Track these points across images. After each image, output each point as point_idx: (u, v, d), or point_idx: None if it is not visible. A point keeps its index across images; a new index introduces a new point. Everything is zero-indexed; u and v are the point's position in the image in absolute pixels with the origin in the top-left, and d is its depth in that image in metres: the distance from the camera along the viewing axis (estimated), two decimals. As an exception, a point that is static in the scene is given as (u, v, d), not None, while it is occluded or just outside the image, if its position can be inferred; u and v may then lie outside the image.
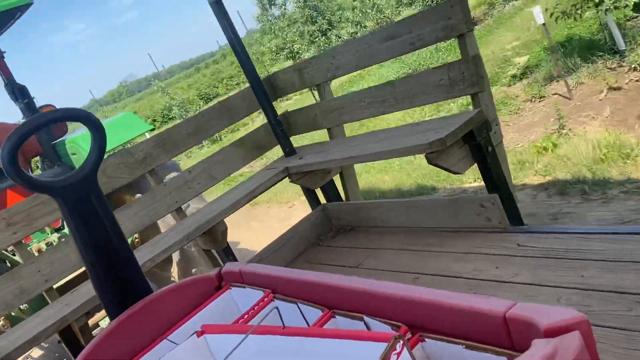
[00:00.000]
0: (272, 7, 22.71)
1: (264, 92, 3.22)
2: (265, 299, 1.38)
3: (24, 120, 3.88)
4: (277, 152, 3.55)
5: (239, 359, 1.06)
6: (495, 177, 2.33)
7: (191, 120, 3.21)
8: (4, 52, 3.93)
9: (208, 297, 1.57)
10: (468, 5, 2.29)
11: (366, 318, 1.04)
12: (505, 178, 2.41)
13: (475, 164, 2.37)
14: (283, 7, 22.43)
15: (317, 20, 20.10)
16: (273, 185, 3.10)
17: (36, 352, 4.75)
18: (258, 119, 13.65)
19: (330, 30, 19.74)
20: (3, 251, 3.58)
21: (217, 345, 1.28)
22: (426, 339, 0.92)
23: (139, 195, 3.87)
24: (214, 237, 2.86)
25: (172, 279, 4.08)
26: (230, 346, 1.04)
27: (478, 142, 2.28)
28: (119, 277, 1.44)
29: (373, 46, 2.73)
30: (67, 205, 1.29)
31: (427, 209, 2.64)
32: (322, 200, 3.40)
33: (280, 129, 3.28)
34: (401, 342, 0.81)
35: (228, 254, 3.09)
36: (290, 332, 1.06)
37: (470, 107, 2.48)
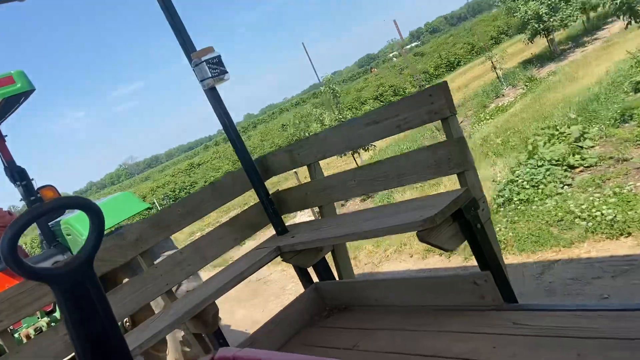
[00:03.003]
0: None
1: (256, 172, 3.28)
2: (262, 389, 1.35)
3: (21, 201, 3.89)
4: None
5: None
6: (486, 254, 2.35)
7: (184, 201, 3.24)
8: (6, 135, 4.01)
9: None
10: (449, 91, 2.41)
11: None
12: (496, 255, 2.43)
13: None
14: None
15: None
16: (265, 265, 3.08)
17: None
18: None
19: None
20: None
21: None
22: None
23: (126, 280, 3.81)
24: (204, 320, 2.80)
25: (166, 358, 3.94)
26: None
27: (467, 220, 2.33)
28: None
29: (359, 130, 2.83)
30: (62, 292, 1.28)
31: (420, 286, 2.63)
32: (315, 279, 3.37)
33: (272, 208, 3.31)
34: None
35: (218, 337, 3.01)
36: None
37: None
